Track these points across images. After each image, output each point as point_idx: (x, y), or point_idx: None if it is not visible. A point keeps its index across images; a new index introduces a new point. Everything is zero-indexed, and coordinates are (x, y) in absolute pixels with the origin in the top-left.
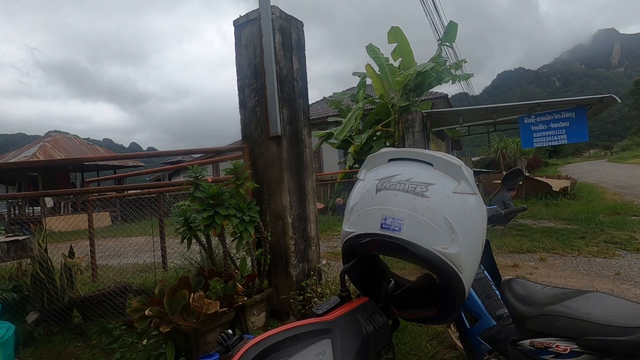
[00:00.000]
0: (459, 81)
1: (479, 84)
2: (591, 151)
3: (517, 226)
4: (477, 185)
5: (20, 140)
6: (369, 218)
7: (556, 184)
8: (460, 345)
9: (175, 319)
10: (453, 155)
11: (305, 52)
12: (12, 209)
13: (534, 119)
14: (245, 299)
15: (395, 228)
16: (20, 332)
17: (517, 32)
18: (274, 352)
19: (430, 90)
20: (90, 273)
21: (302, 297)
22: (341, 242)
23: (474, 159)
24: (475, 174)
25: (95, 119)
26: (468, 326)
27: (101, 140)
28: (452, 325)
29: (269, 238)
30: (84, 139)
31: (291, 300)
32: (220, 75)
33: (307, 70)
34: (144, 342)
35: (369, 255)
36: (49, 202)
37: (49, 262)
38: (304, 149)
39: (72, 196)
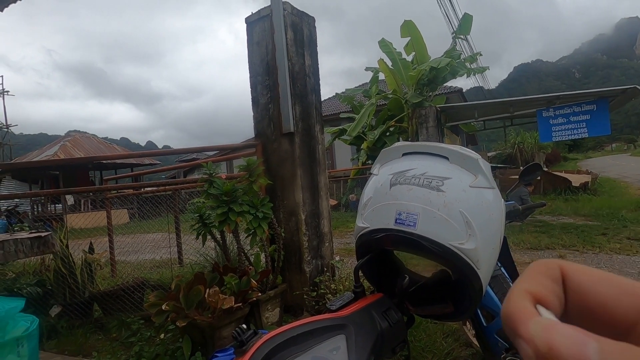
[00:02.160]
0: (474, 74)
1: (494, 77)
2: (613, 145)
3: (535, 222)
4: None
5: (42, 140)
6: (383, 213)
7: (576, 179)
8: (476, 342)
9: (191, 314)
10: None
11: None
12: (35, 206)
13: (552, 112)
14: (260, 294)
15: (410, 223)
16: (43, 325)
17: (535, 22)
18: (288, 347)
19: (445, 84)
20: (110, 268)
21: (315, 293)
22: (355, 237)
23: (489, 154)
24: (492, 169)
25: (113, 118)
26: (484, 324)
27: (118, 139)
28: (467, 323)
29: (283, 234)
30: (102, 138)
31: (305, 296)
32: (232, 74)
33: (319, 66)
34: (161, 336)
35: (383, 251)
36: (70, 199)
37: (70, 258)
38: (316, 145)
39: (91, 194)
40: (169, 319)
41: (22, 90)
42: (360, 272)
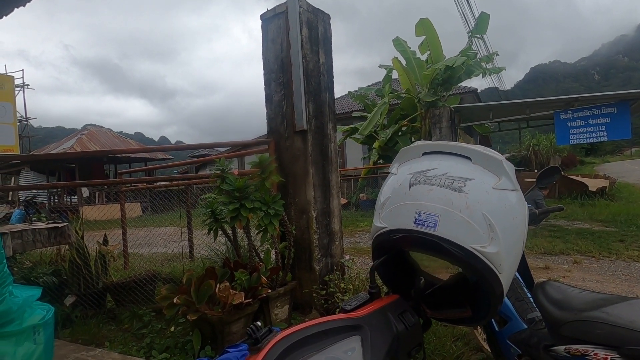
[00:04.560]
0: (490, 75)
1: (510, 78)
2: (633, 149)
3: (550, 227)
4: None
5: (59, 133)
6: (401, 213)
7: (593, 184)
8: (487, 347)
9: (202, 308)
10: None
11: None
12: (52, 198)
13: (570, 114)
14: (269, 291)
15: (430, 224)
16: (58, 314)
17: (553, 22)
18: (302, 346)
19: (459, 84)
20: (122, 261)
21: (325, 291)
22: (371, 237)
23: (503, 155)
24: None
25: (128, 113)
26: (497, 328)
27: (133, 133)
28: (478, 327)
29: (293, 232)
30: (117, 132)
31: (314, 295)
32: (245, 72)
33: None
34: (172, 328)
35: (399, 252)
36: (85, 192)
37: (85, 249)
38: (329, 144)
39: (106, 187)
40: (179, 312)
41: (41, 85)
42: (376, 272)
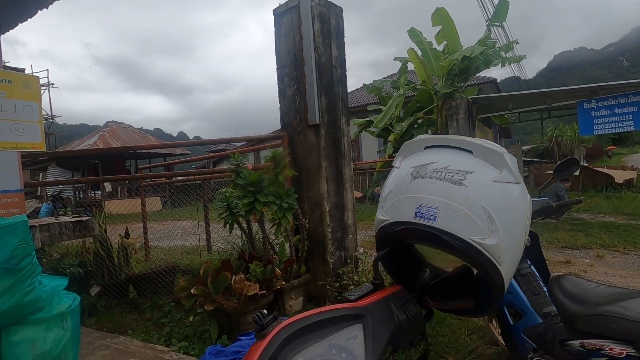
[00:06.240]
0: (510, 64)
1: (533, 67)
2: None
3: (572, 220)
4: (527, 176)
5: (83, 130)
6: (403, 206)
7: (619, 175)
8: (502, 341)
9: (218, 299)
10: (501, 143)
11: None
12: (77, 193)
13: (594, 103)
14: (284, 283)
15: (430, 217)
16: (84, 303)
17: (578, 7)
18: (306, 333)
19: (478, 74)
20: (144, 253)
21: (338, 284)
22: (375, 229)
23: (524, 147)
24: (526, 163)
25: (147, 110)
26: (511, 322)
27: (152, 130)
28: (493, 321)
29: (307, 225)
30: (137, 128)
31: (328, 287)
32: (260, 67)
33: (346, 57)
34: (191, 318)
35: (404, 244)
36: (108, 186)
37: (108, 242)
38: (342, 137)
39: (127, 182)
40: (197, 302)
41: (65, 83)
42: (380, 264)
